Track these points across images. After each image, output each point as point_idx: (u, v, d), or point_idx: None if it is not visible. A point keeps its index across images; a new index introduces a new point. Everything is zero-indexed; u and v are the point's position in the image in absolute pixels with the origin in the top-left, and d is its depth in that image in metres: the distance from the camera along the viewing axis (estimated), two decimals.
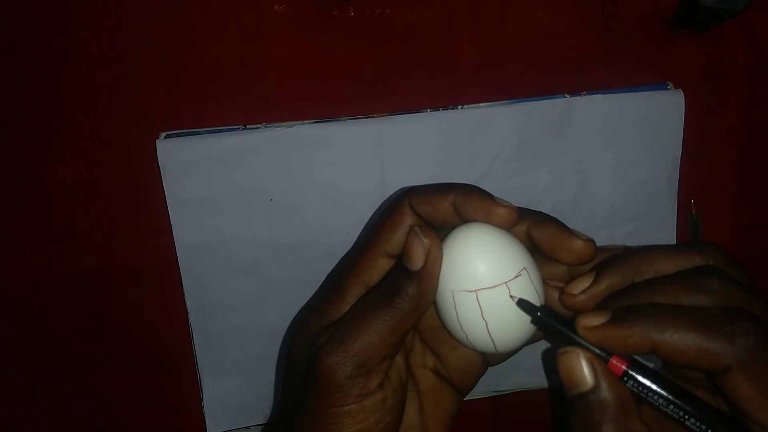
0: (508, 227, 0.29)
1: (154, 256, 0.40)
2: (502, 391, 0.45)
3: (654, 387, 0.25)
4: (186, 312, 0.41)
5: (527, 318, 0.28)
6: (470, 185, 0.30)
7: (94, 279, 0.40)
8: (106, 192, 0.39)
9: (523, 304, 0.28)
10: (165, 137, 0.39)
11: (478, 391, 0.44)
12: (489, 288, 0.28)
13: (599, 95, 0.41)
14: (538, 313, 0.28)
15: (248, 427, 0.44)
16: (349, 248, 0.40)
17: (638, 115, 0.41)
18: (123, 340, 0.41)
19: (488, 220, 0.28)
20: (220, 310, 0.41)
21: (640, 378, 0.26)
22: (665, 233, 0.43)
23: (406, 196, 0.30)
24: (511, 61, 0.41)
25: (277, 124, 0.39)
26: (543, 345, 0.43)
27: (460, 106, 0.40)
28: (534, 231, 0.29)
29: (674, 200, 0.43)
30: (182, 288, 0.40)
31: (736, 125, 0.43)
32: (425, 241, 0.28)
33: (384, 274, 0.30)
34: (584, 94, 0.41)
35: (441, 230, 0.30)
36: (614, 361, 0.26)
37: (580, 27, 0.41)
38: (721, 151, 0.43)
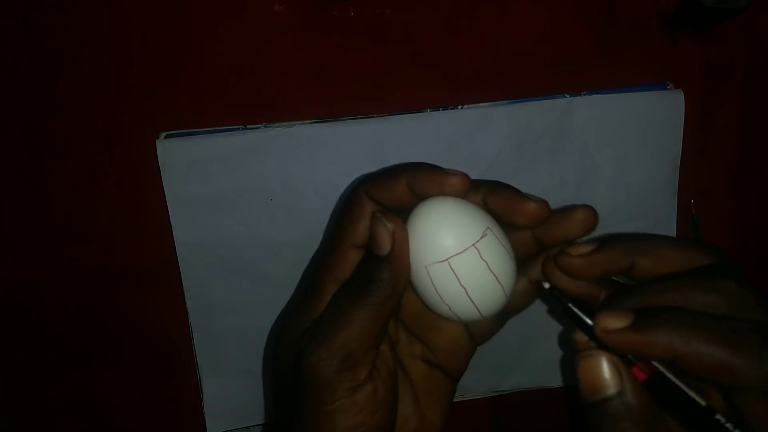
0: (462, 194, 0.29)
1: (154, 256, 0.40)
2: (502, 391, 0.45)
3: (675, 396, 0.25)
4: (186, 312, 0.41)
5: (504, 276, 0.28)
6: (420, 163, 0.30)
7: (94, 279, 0.40)
8: (106, 192, 0.39)
9: (554, 292, 0.27)
10: (165, 137, 0.39)
11: (478, 391, 0.44)
12: (459, 253, 0.28)
13: (599, 95, 0.41)
14: (569, 304, 0.27)
15: (248, 427, 0.44)
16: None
17: (638, 115, 0.41)
18: (123, 340, 0.41)
19: (443, 192, 0.29)
20: (220, 310, 0.41)
21: (662, 385, 0.25)
22: (665, 233, 0.43)
23: (361, 186, 0.30)
24: (511, 61, 0.41)
25: (277, 124, 0.39)
26: (541, 346, 0.43)
27: (460, 106, 0.40)
28: (489, 198, 0.30)
29: (674, 200, 0.43)
30: (182, 288, 0.40)
31: (736, 125, 0.43)
32: (389, 225, 0.28)
33: (356, 266, 0.30)
34: (584, 94, 0.41)
35: (402, 213, 0.30)
36: (639, 367, 0.25)
37: (580, 27, 0.41)
38: (721, 151, 0.43)
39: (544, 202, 0.29)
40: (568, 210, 0.30)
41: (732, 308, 0.24)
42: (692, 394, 0.25)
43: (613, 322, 0.24)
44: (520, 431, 0.46)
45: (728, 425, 0.24)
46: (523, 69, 0.41)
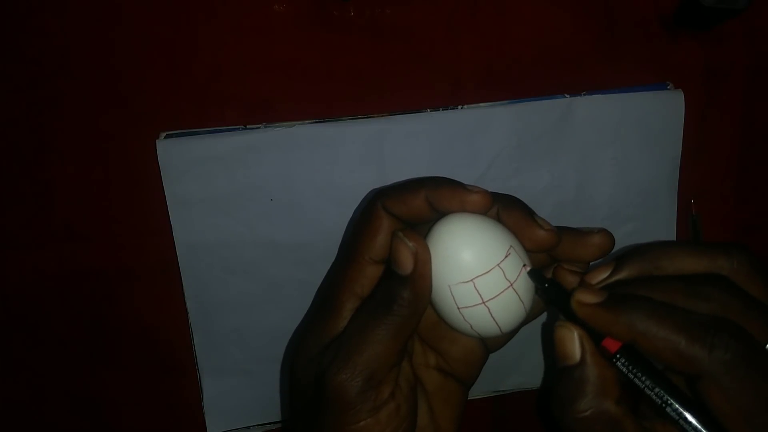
0: (483, 212, 0.29)
1: (154, 256, 0.40)
2: (502, 391, 0.45)
3: (643, 369, 0.26)
4: (186, 312, 0.41)
5: (525, 292, 0.28)
6: (439, 177, 0.30)
7: (94, 279, 0.40)
8: (106, 192, 0.39)
9: (534, 274, 0.28)
10: (165, 137, 0.38)
11: (478, 391, 0.44)
12: (485, 273, 0.28)
13: (599, 95, 0.41)
14: (546, 285, 0.28)
15: (248, 427, 0.44)
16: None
17: (638, 115, 0.41)
18: (123, 340, 0.41)
19: (464, 208, 0.29)
20: (220, 310, 0.41)
21: (631, 358, 0.26)
22: (665, 233, 0.43)
23: (377, 200, 0.30)
24: (511, 61, 0.40)
25: (277, 124, 0.39)
26: (541, 347, 0.43)
27: (460, 106, 0.40)
28: (502, 215, 0.30)
29: (674, 200, 0.43)
30: (182, 288, 0.40)
31: (736, 125, 0.43)
32: (411, 245, 0.28)
33: (374, 281, 0.30)
34: (584, 94, 0.41)
35: (417, 226, 0.30)
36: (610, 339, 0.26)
37: (580, 27, 0.41)
38: (721, 151, 0.43)
39: (554, 232, 0.29)
40: (584, 232, 0.30)
41: (716, 312, 0.25)
42: (657, 366, 0.26)
43: (587, 297, 0.27)
44: (520, 431, 0.46)
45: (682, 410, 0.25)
46: (523, 69, 0.41)
